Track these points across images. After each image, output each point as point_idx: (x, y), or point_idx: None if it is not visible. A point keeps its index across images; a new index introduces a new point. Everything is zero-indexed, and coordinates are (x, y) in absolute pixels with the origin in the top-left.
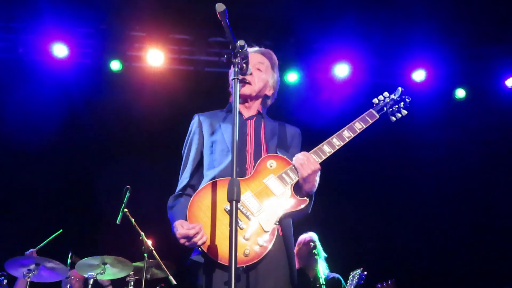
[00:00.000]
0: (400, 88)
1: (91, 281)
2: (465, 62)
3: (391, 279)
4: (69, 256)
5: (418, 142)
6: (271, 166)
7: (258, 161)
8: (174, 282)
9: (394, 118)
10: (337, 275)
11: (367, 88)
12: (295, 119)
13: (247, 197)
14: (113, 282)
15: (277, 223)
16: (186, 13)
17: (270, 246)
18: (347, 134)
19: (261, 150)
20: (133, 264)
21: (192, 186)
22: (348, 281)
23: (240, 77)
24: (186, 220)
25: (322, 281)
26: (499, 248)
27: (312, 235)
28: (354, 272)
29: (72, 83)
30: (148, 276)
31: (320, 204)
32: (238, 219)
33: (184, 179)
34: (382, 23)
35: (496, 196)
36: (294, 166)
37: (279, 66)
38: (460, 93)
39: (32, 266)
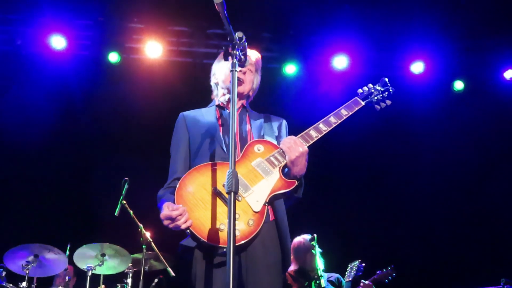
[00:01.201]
0: (385, 79)
1: (89, 273)
2: (463, 54)
3: (390, 266)
4: (68, 248)
5: (416, 134)
6: (258, 150)
7: (246, 146)
8: (172, 273)
9: (378, 107)
10: (336, 275)
11: (365, 80)
12: (293, 110)
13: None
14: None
15: (266, 204)
16: (184, 5)
17: (259, 227)
18: (333, 120)
19: (247, 138)
20: (132, 256)
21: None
22: (346, 273)
23: (239, 68)
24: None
25: (320, 272)
26: (498, 240)
27: (304, 236)
28: (352, 264)
29: (70, 75)
30: (147, 268)
31: (318, 198)
32: (226, 200)
33: (172, 173)
34: (381, 15)
35: (494, 188)
36: (281, 149)
37: (277, 58)
38: (459, 85)
39: (31, 258)
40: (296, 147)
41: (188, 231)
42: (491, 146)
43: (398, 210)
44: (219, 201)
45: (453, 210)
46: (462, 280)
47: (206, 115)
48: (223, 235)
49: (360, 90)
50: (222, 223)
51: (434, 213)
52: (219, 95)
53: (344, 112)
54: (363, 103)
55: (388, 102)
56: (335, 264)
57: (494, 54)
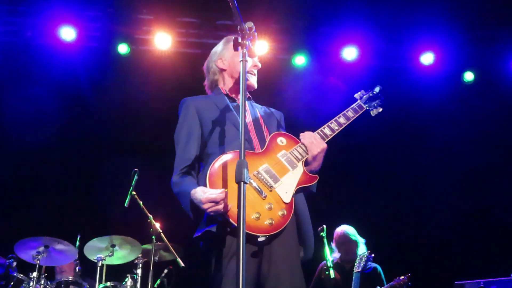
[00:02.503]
0: (378, 86)
1: (99, 264)
2: (474, 44)
3: (406, 274)
4: (78, 239)
5: (426, 126)
6: (282, 143)
7: (269, 137)
8: (182, 264)
9: (373, 113)
10: (374, 265)
11: (375, 72)
12: (302, 102)
13: (265, 169)
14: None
15: (294, 196)
16: None
17: (289, 218)
18: (342, 121)
19: (262, 130)
20: (142, 246)
21: (194, 167)
22: (355, 264)
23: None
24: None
25: (329, 263)
26: (508, 232)
27: (343, 227)
28: (362, 255)
29: (79, 66)
30: (156, 258)
31: (331, 190)
32: (260, 189)
33: (185, 160)
34: (390, 6)
35: (506, 179)
36: (303, 144)
37: (286, 49)
38: (469, 76)
39: (41, 249)
40: (317, 143)
41: (220, 218)
42: (502, 137)
43: (408, 201)
44: (251, 190)
45: (463, 201)
46: (471, 272)
47: (219, 103)
48: (259, 224)
49: (357, 95)
50: (258, 212)
51: (444, 204)
52: (227, 83)
53: (351, 114)
54: (365, 107)
55: (380, 109)
56: None
57: (505, 45)
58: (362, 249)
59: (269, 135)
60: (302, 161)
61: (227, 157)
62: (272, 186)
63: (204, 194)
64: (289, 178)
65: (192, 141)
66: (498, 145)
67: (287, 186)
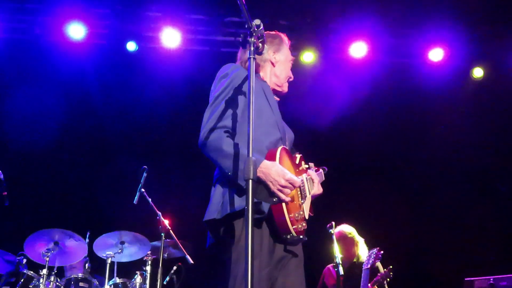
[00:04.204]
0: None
1: (108, 261)
2: (483, 40)
3: (388, 267)
4: (87, 236)
5: (435, 123)
6: (304, 168)
7: (300, 157)
8: (191, 261)
9: None
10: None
11: (383, 68)
12: (310, 99)
13: (304, 180)
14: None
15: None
16: None
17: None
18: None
19: (286, 136)
20: (150, 243)
21: (232, 136)
22: (365, 261)
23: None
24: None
25: (338, 260)
26: None
27: (340, 227)
28: (371, 252)
29: (87, 64)
30: (166, 255)
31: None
32: (300, 196)
33: (230, 127)
34: (399, 2)
35: None
36: (312, 179)
37: (294, 46)
38: (478, 72)
39: (51, 245)
40: (320, 186)
41: (275, 201)
42: (511, 134)
43: (417, 197)
44: (294, 193)
45: (473, 198)
46: (481, 269)
47: (266, 90)
48: (295, 224)
49: (311, 165)
50: (297, 214)
51: (453, 201)
52: (267, 77)
53: (321, 178)
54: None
55: None
56: None
57: None
58: (362, 248)
59: (287, 145)
60: (311, 193)
61: (282, 153)
62: (304, 199)
63: (285, 172)
64: (308, 199)
65: (238, 114)
66: (508, 142)
67: (307, 206)
